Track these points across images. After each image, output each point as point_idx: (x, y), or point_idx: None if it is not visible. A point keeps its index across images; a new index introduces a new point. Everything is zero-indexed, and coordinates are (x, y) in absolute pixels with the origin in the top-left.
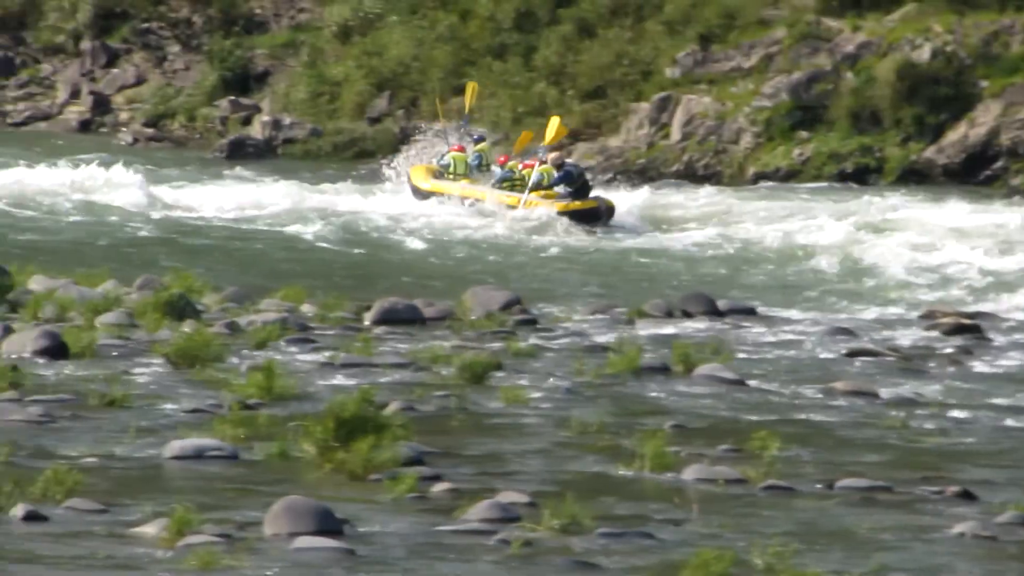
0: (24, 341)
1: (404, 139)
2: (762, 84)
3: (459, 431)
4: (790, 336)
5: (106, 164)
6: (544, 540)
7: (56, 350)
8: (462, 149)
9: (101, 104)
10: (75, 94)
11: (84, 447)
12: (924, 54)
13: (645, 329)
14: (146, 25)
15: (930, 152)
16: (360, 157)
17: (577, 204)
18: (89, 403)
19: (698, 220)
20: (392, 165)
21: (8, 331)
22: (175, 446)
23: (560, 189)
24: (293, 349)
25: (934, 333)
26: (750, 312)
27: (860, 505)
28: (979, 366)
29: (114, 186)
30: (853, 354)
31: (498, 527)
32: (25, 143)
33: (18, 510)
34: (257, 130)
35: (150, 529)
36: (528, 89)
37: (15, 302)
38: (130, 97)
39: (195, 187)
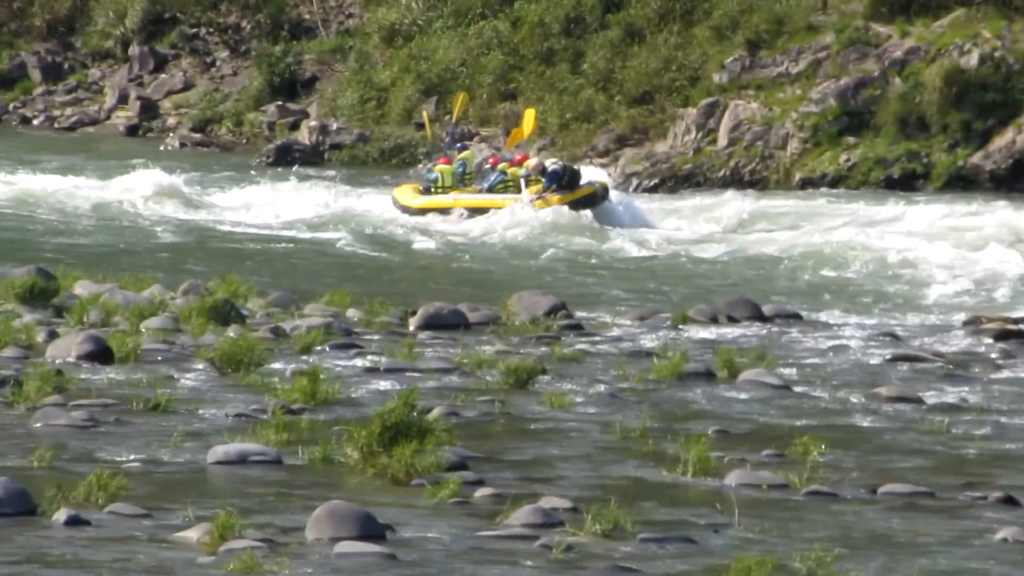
0: (69, 346)
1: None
2: (810, 90)
3: (502, 436)
4: (835, 341)
5: (153, 169)
6: (586, 545)
7: (101, 355)
8: (448, 161)
9: (149, 109)
10: (123, 99)
11: (128, 452)
12: (972, 60)
13: (690, 334)
14: (194, 30)
15: (977, 158)
16: (409, 163)
17: (573, 195)
18: (133, 408)
19: (744, 225)
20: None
21: (53, 336)
22: (218, 451)
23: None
24: (337, 354)
25: (979, 338)
26: (795, 317)
27: (903, 510)
28: None
29: (161, 191)
30: (897, 359)
31: (540, 532)
32: (73, 148)
33: (61, 514)
34: (304, 135)
35: (192, 534)
36: (576, 95)
37: (61, 307)
38: (177, 102)
39: (241, 192)
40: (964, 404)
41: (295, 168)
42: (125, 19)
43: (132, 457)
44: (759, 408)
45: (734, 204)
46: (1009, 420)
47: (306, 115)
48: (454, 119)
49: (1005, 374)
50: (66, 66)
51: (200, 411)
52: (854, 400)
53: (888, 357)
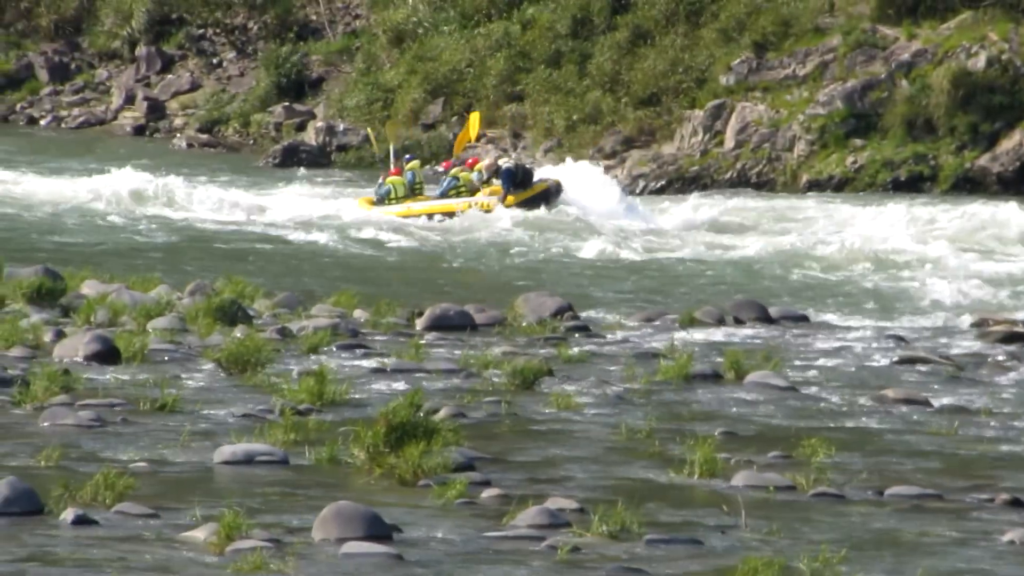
0: (76, 345)
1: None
2: (816, 92)
3: (509, 437)
4: (841, 343)
5: (159, 170)
6: (593, 546)
7: (108, 354)
8: (399, 172)
9: (156, 109)
10: (130, 99)
11: (135, 451)
12: (979, 62)
13: (696, 336)
14: (201, 31)
15: (984, 160)
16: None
17: (528, 192)
18: (140, 408)
19: (751, 227)
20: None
21: (60, 335)
22: (225, 451)
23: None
24: (344, 355)
25: (986, 340)
26: (802, 319)
27: (910, 512)
28: None
29: (167, 192)
30: (904, 361)
31: (547, 533)
32: (80, 148)
33: (68, 514)
34: (311, 136)
35: (199, 534)
36: (582, 96)
37: (68, 306)
38: (184, 103)
39: (247, 192)
40: (971, 406)
41: (301, 170)
42: (131, 20)
43: (139, 457)
44: (766, 410)
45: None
46: (1016, 422)
47: (313, 116)
48: (473, 139)
49: (1012, 376)
50: (73, 66)
51: (207, 411)
52: (861, 402)
53: (895, 359)
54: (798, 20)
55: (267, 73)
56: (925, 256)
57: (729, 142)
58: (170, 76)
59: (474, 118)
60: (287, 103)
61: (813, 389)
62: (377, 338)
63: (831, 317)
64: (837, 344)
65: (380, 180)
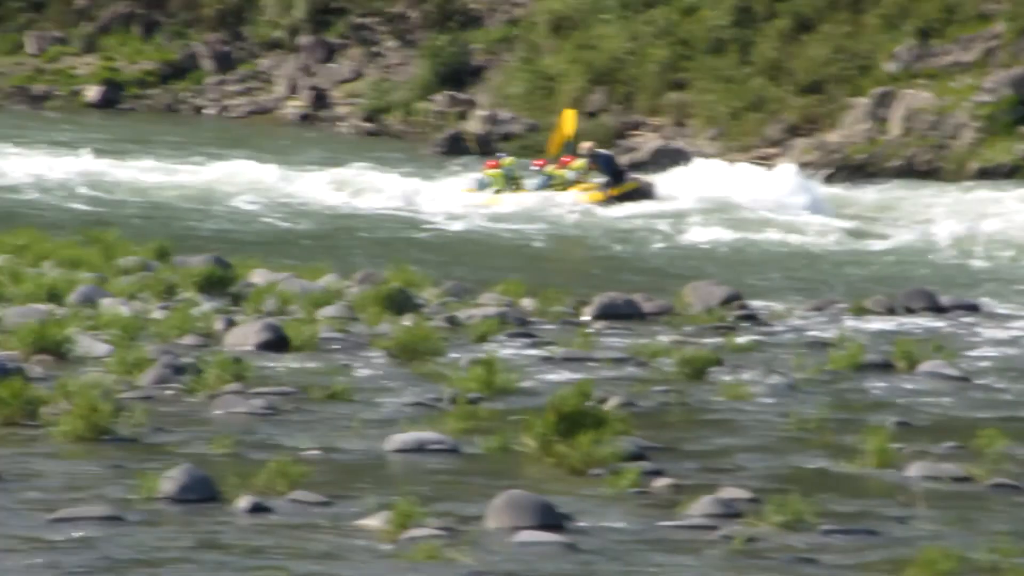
0: (247, 334)
1: (620, 134)
2: (983, 78)
3: (679, 426)
4: (1014, 333)
5: (325, 159)
6: (766, 536)
7: (278, 343)
8: (497, 165)
9: (320, 98)
10: (293, 89)
11: (307, 440)
12: None
13: (867, 325)
14: (362, 20)
15: None
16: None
17: (621, 188)
18: (311, 396)
19: (918, 215)
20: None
21: (231, 324)
22: (397, 439)
23: (604, 178)
24: (512, 343)
25: None
26: (973, 308)
27: None
28: None
29: (332, 180)
30: None
31: (720, 523)
32: (245, 137)
33: (243, 501)
34: (473, 124)
35: (373, 522)
36: (744, 84)
37: (237, 295)
38: (348, 91)
39: (412, 181)
40: None
41: (465, 158)
42: (293, 9)
43: (311, 445)
44: (939, 400)
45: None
46: None
47: (475, 105)
48: (567, 136)
49: None
50: (236, 56)
51: (377, 400)
52: None
53: None
54: (962, 6)
55: (428, 62)
56: None
57: (895, 130)
58: (332, 65)
59: (568, 115)
60: (449, 91)
61: (987, 379)
62: (545, 327)
63: (1003, 306)
64: (1010, 334)
65: (480, 173)
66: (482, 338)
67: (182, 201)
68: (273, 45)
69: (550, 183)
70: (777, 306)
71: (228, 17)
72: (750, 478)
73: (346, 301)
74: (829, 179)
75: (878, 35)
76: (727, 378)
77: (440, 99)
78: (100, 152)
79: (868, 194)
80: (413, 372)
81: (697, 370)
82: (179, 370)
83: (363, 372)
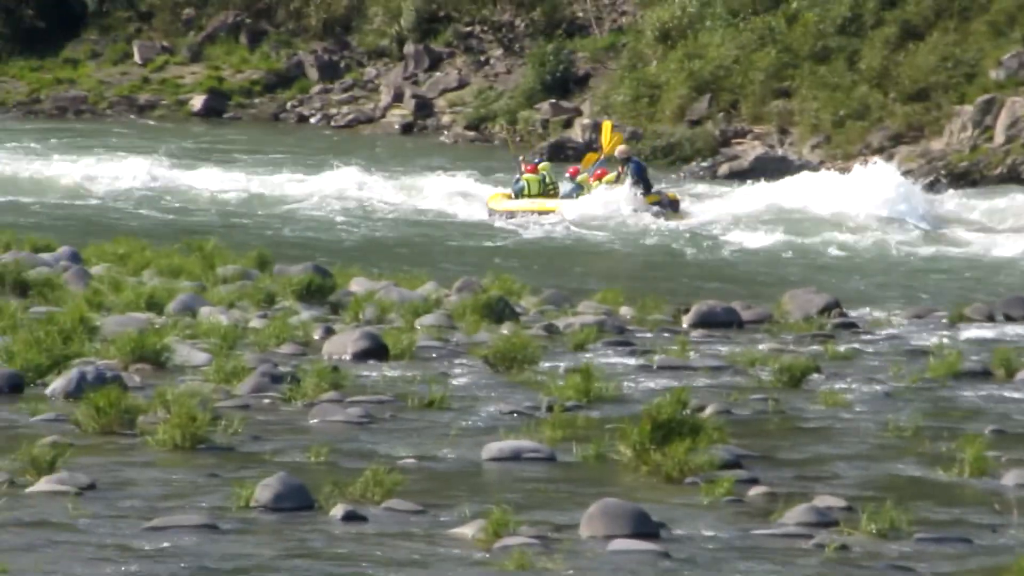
0: (345, 342)
1: (724, 142)
2: None
3: (776, 434)
4: None
5: (431, 168)
6: (861, 544)
7: (376, 351)
8: (534, 170)
9: (423, 107)
10: (398, 97)
11: (403, 448)
12: None
13: (966, 333)
14: (468, 28)
15: None
16: (684, 160)
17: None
18: (408, 404)
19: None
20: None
21: (329, 332)
22: (493, 447)
23: (629, 183)
24: (610, 352)
25: None
26: None
27: None
28: None
29: (436, 190)
30: None
31: (815, 531)
32: (350, 146)
33: (338, 510)
34: (577, 133)
35: (467, 530)
36: (849, 92)
37: (337, 304)
38: (452, 100)
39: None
40: None
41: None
42: (400, 18)
43: (407, 453)
44: None
45: (1012, 202)
46: None
47: (579, 113)
48: (607, 151)
49: None
50: (342, 65)
51: (474, 408)
52: None
53: None
54: None
55: (533, 70)
56: None
57: (999, 137)
58: (438, 74)
59: (606, 127)
60: (553, 100)
61: None
62: (643, 335)
63: None
64: None
65: (516, 176)
66: (580, 346)
67: (281, 210)
68: (379, 54)
69: (579, 192)
70: (877, 314)
71: (335, 26)
72: (845, 486)
73: (445, 310)
74: (931, 187)
75: (985, 43)
76: (824, 386)
77: (545, 107)
78: (199, 161)
79: (970, 202)
80: (510, 380)
81: (794, 378)
82: (277, 379)
83: (460, 380)
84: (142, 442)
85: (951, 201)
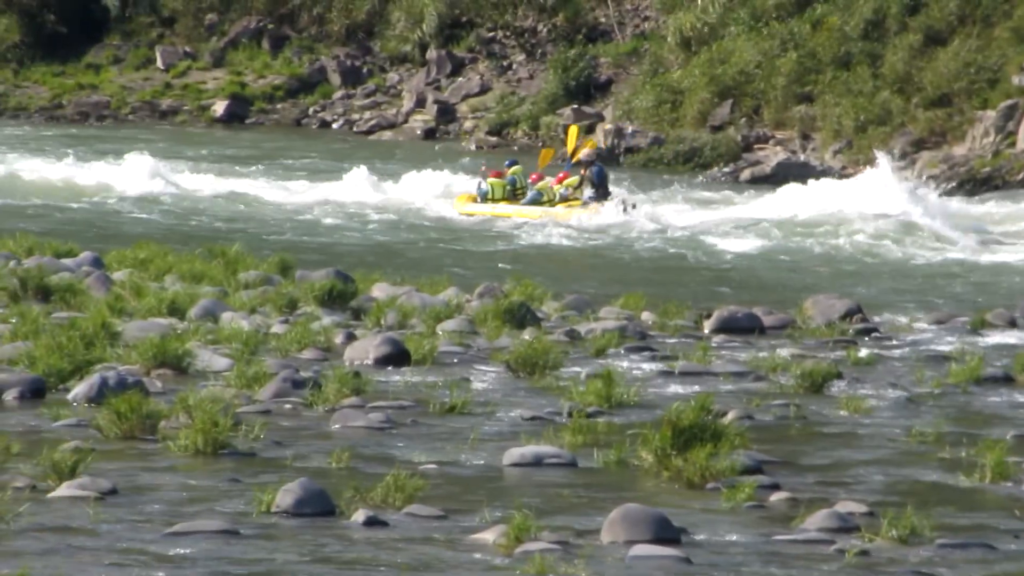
0: (367, 348)
1: (746, 147)
2: None
3: (797, 440)
4: None
5: (451, 173)
6: (882, 550)
7: (398, 357)
8: (499, 175)
9: (446, 112)
10: (420, 103)
11: (424, 453)
12: None
13: (988, 338)
14: (491, 34)
15: None
16: (705, 166)
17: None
18: (430, 410)
19: None
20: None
21: (351, 338)
22: (514, 453)
23: (589, 191)
24: (632, 357)
25: None
26: None
27: None
28: None
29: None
30: None
31: (836, 537)
32: (372, 151)
33: (359, 515)
34: (599, 138)
35: (488, 536)
36: (872, 98)
37: (358, 309)
38: (474, 105)
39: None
40: None
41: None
42: (422, 23)
43: (428, 459)
44: None
45: None
46: None
47: (601, 118)
48: (569, 152)
49: None
50: (364, 70)
51: (495, 413)
52: None
53: None
54: None
55: (555, 75)
56: None
57: (1021, 143)
58: (460, 79)
59: (572, 132)
60: (576, 105)
61: None
62: (665, 340)
63: None
64: None
65: (479, 180)
66: (601, 352)
67: (302, 215)
68: (401, 59)
69: (538, 199)
70: (898, 319)
71: (357, 32)
72: (867, 492)
73: (467, 315)
74: (952, 192)
75: (1007, 48)
76: (846, 392)
77: (567, 113)
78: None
79: (991, 207)
80: (532, 386)
81: (816, 384)
82: (298, 384)
83: (482, 386)
84: (163, 447)
85: (972, 206)
